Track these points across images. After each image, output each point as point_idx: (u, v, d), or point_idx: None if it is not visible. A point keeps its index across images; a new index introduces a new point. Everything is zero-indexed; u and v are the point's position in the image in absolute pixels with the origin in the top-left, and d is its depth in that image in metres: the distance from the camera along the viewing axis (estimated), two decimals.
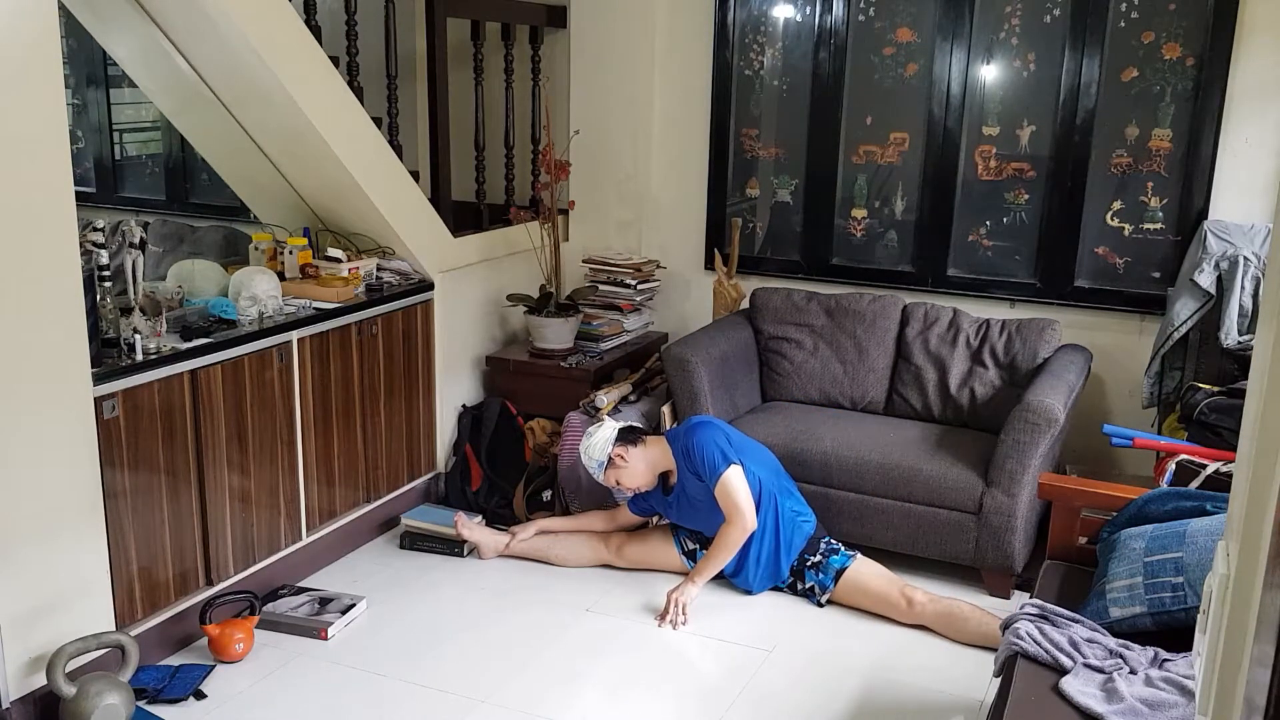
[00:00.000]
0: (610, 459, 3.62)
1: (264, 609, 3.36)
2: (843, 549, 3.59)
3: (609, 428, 3.67)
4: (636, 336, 4.65)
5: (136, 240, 3.29)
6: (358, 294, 3.75)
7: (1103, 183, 4.08)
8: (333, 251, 3.82)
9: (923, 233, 4.37)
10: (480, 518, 4.00)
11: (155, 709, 2.90)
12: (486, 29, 4.40)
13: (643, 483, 3.67)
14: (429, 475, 4.23)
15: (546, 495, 4.17)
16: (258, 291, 3.42)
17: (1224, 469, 3.03)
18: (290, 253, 3.76)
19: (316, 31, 3.56)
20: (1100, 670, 2.24)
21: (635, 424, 3.82)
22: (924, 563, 3.76)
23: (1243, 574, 1.15)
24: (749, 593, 3.61)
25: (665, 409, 4.04)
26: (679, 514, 3.69)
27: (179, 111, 3.86)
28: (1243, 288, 3.58)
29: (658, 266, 4.71)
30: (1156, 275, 4.06)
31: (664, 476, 3.69)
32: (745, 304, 4.50)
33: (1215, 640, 1.22)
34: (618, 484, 3.68)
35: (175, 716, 2.91)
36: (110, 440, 2.87)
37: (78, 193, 2.75)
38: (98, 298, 2.91)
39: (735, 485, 3.45)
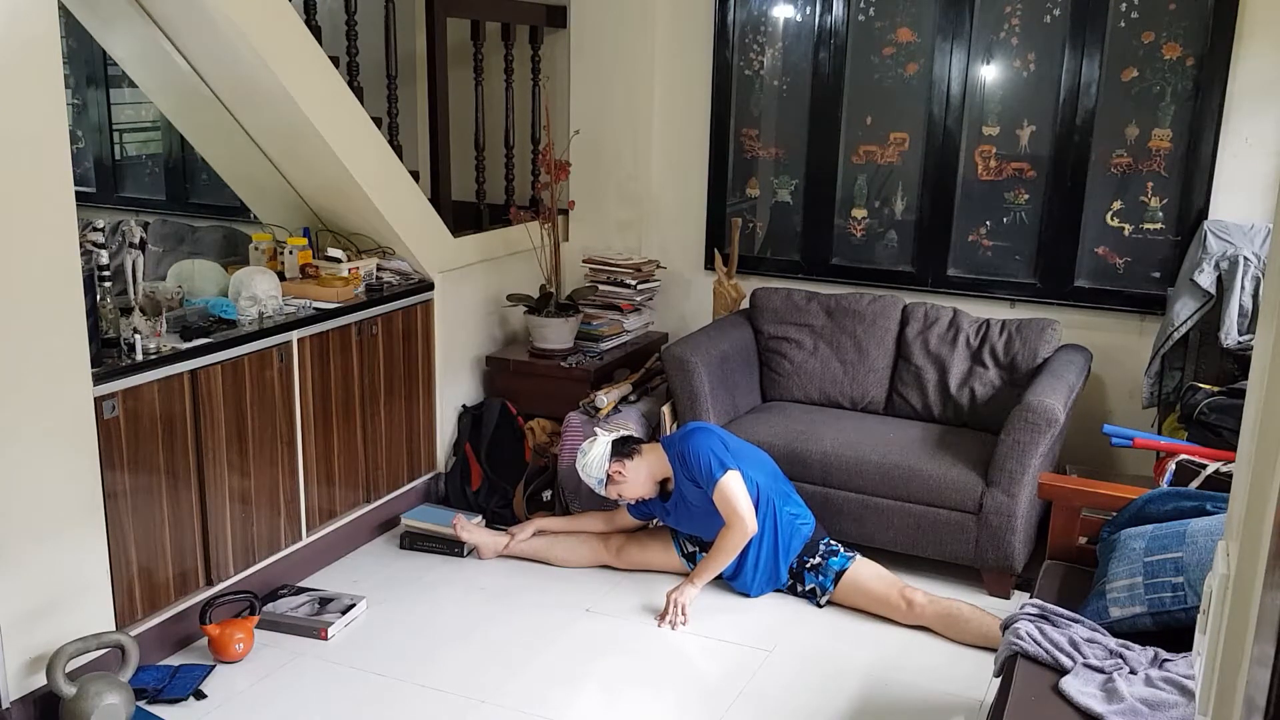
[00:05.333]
0: (609, 475, 3.61)
1: (264, 609, 3.36)
2: (842, 550, 3.58)
3: (602, 444, 3.65)
4: (636, 336, 4.65)
5: (136, 240, 3.29)
6: (358, 294, 3.75)
7: (1103, 182, 4.08)
8: (333, 251, 3.82)
9: (923, 233, 4.37)
10: (480, 518, 4.00)
11: (155, 709, 2.90)
12: (486, 29, 4.40)
13: (644, 492, 3.66)
14: (429, 475, 4.23)
15: (546, 495, 4.17)
16: (258, 291, 3.42)
17: (1224, 469, 3.02)
18: (290, 253, 3.76)
19: (316, 31, 3.56)
20: (1100, 670, 2.24)
21: (629, 433, 3.80)
22: (924, 563, 3.76)
23: (1243, 574, 1.15)
24: (747, 595, 3.61)
25: (665, 409, 4.04)
26: (677, 519, 3.69)
27: (179, 111, 3.86)
28: (1243, 288, 3.58)
29: (658, 266, 4.71)
30: (1156, 275, 4.06)
31: (662, 483, 3.68)
32: (745, 304, 4.50)
33: (1215, 640, 1.22)
34: (620, 497, 3.68)
35: (175, 716, 2.91)
36: (110, 440, 2.87)
37: (78, 193, 2.75)
38: (98, 298, 2.91)
39: (734, 490, 3.45)
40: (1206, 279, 3.64)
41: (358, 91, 3.73)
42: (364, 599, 3.50)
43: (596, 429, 3.82)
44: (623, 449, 3.64)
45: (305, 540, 3.64)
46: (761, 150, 4.61)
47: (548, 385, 4.33)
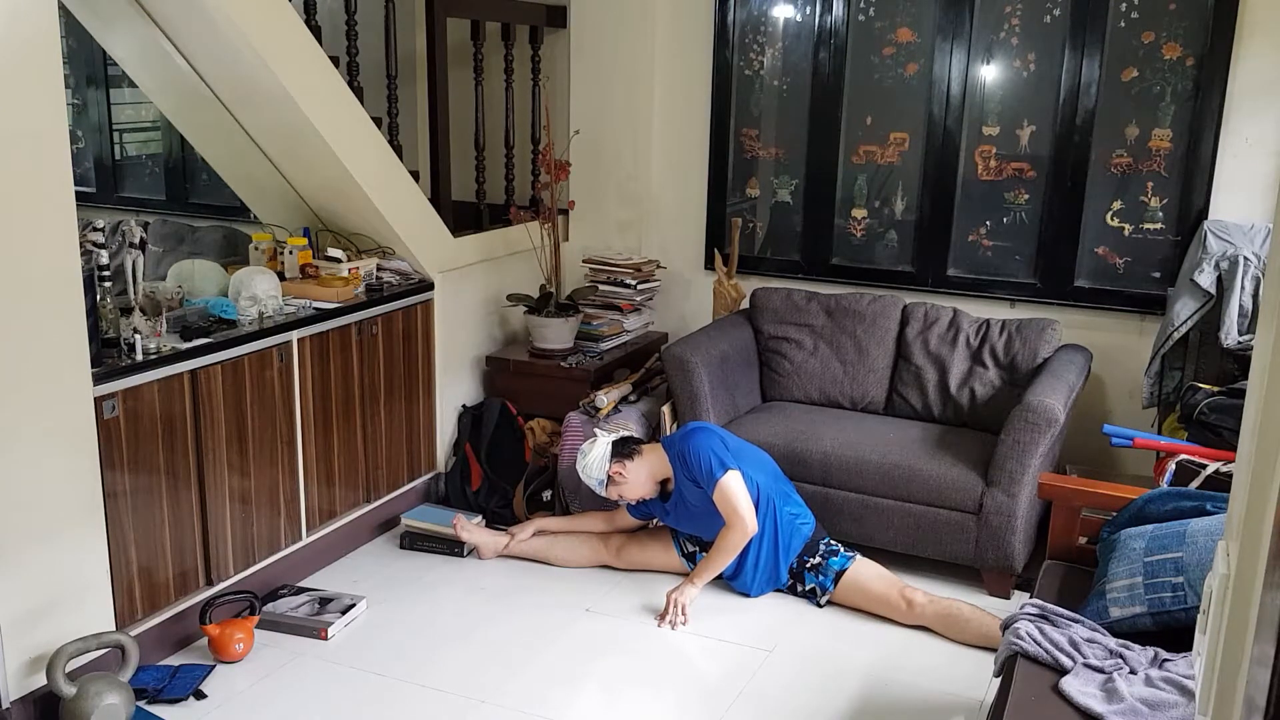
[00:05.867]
0: (609, 476, 3.61)
1: (264, 609, 3.36)
2: (842, 550, 3.58)
3: (603, 444, 3.64)
4: (636, 336, 4.65)
5: (136, 240, 3.29)
6: (358, 294, 3.75)
7: (1103, 182, 4.08)
8: (333, 251, 3.82)
9: (923, 233, 4.37)
10: (480, 518, 4.00)
11: (155, 709, 2.91)
12: (486, 29, 4.40)
13: (645, 493, 3.66)
14: (429, 475, 4.23)
15: (546, 495, 4.17)
16: (258, 291, 3.42)
17: (1224, 469, 3.02)
18: (290, 253, 3.76)
19: (316, 31, 3.56)
20: (1100, 670, 2.24)
21: (629, 434, 3.80)
22: (924, 563, 3.76)
23: (1243, 574, 1.15)
24: (747, 595, 3.61)
25: (665, 409, 4.04)
26: (677, 519, 3.69)
27: (179, 111, 3.86)
28: (1243, 288, 3.58)
29: (658, 266, 4.71)
30: (1156, 275, 4.06)
31: (663, 483, 3.68)
32: (745, 304, 4.50)
33: (1215, 640, 1.22)
34: (620, 497, 3.68)
35: (175, 716, 2.91)
36: (110, 440, 2.87)
37: (78, 193, 2.75)
38: (98, 298, 2.91)
39: (734, 490, 3.45)
40: (1206, 279, 3.64)
41: (358, 91, 3.73)
42: (364, 599, 3.50)
43: (596, 429, 3.82)
44: (623, 449, 3.64)
45: (305, 540, 3.64)
46: (761, 150, 4.61)
47: (548, 385, 4.32)
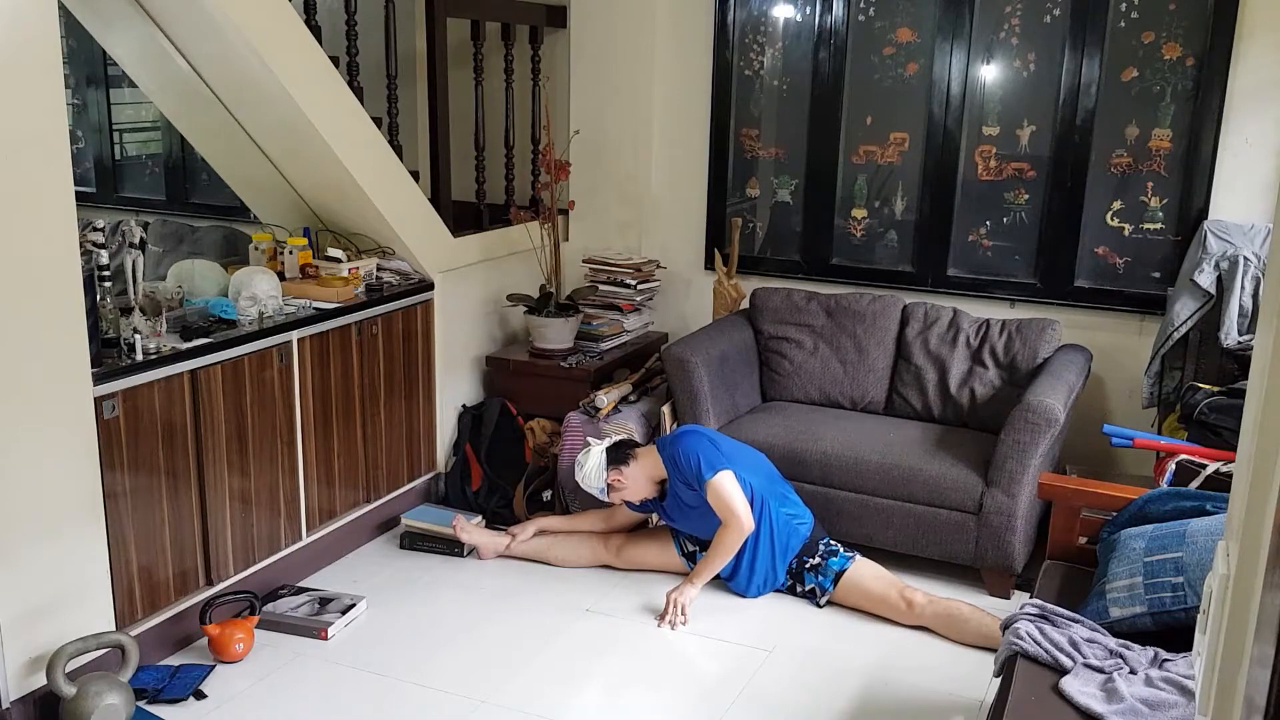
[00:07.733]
0: (608, 484, 3.62)
1: (264, 609, 3.36)
2: (841, 550, 3.58)
3: (597, 454, 3.65)
4: (636, 336, 4.65)
5: (136, 240, 3.29)
6: (358, 294, 3.75)
7: (1103, 182, 4.08)
8: (333, 251, 3.82)
9: (923, 233, 4.37)
10: (480, 518, 4.00)
11: (155, 709, 2.91)
12: (486, 29, 4.40)
13: (646, 494, 3.67)
14: (429, 475, 4.23)
15: (546, 495, 4.17)
16: (258, 291, 3.41)
17: (1224, 469, 3.02)
18: (290, 253, 3.76)
19: (316, 31, 3.56)
20: (1100, 670, 2.24)
21: (623, 438, 3.80)
22: (924, 563, 3.76)
23: (1243, 574, 1.15)
24: (744, 597, 3.61)
25: (665, 409, 4.04)
26: (673, 519, 3.69)
27: (179, 111, 3.86)
28: (1243, 288, 3.58)
29: (658, 266, 4.71)
30: (1156, 275, 4.06)
31: (662, 482, 3.68)
32: (745, 304, 4.50)
33: (1215, 640, 1.22)
34: (622, 502, 3.68)
35: (175, 716, 2.91)
36: (110, 440, 2.87)
37: (78, 193, 2.75)
38: (98, 298, 2.91)
39: (727, 489, 3.45)
40: (1206, 279, 3.64)
41: (358, 91, 3.73)
42: (364, 599, 3.50)
43: (589, 438, 3.82)
44: (617, 456, 3.64)
45: (305, 540, 3.64)
46: (761, 150, 4.61)
47: (548, 385, 4.32)
